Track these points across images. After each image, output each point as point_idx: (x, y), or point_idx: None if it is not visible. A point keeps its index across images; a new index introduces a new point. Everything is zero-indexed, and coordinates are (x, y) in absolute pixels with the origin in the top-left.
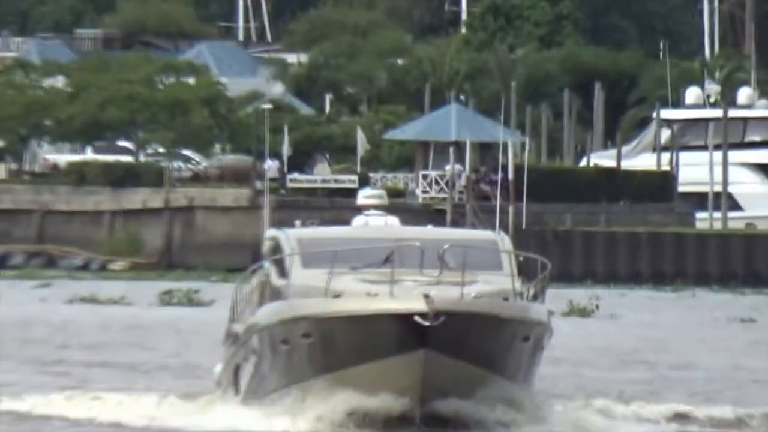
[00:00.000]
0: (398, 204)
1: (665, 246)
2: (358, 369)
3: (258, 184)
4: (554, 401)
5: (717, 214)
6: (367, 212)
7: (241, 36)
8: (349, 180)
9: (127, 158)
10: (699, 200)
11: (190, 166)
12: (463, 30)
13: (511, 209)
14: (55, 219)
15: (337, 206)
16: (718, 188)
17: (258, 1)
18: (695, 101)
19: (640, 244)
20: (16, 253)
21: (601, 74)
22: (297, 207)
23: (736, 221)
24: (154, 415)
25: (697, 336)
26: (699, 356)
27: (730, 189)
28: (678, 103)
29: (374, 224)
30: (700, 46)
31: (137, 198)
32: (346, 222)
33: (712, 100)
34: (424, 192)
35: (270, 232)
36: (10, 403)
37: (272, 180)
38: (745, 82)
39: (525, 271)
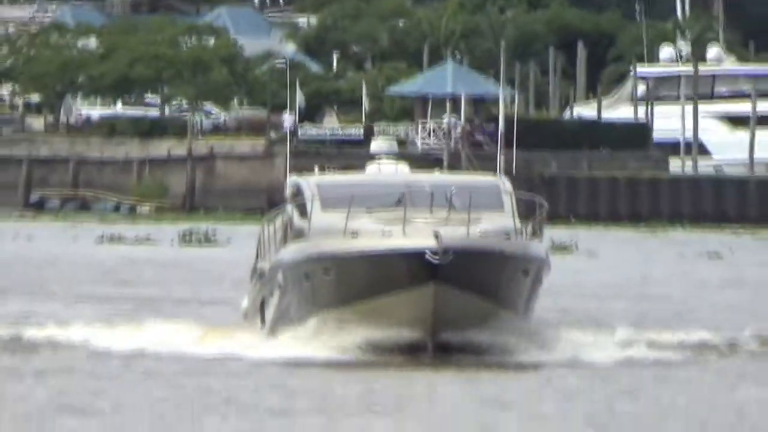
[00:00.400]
0: (399, 152)
1: (641, 189)
2: (374, 302)
3: (272, 135)
4: (550, 328)
5: (688, 160)
6: (379, 159)
7: (256, 0)
8: (355, 131)
9: (154, 112)
10: (672, 148)
11: (211, 118)
12: None
13: (502, 156)
14: (88, 167)
15: (345, 154)
16: (689, 137)
17: None
18: (668, 58)
19: (618, 187)
20: (53, 198)
21: (584, 34)
22: (309, 155)
23: (705, 166)
24: (186, 344)
25: (670, 270)
26: (671, 288)
27: (701, 137)
28: (653, 60)
29: (386, 170)
30: (673, 8)
31: (163, 147)
32: (358, 169)
33: (683, 57)
34: (423, 141)
35: (292, 179)
36: (55, 330)
37: (290, 131)
38: (714, 41)
39: (523, 211)
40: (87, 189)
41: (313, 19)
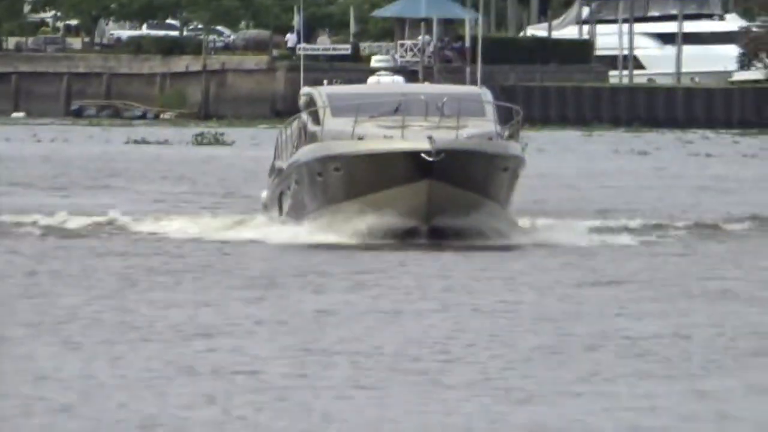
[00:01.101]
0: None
1: (585, 97)
2: (378, 195)
3: (274, 52)
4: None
5: (625, 72)
6: (378, 73)
7: None
8: (343, 48)
9: (174, 33)
10: (611, 61)
11: (222, 38)
12: None
13: (468, 69)
14: (119, 80)
15: (335, 68)
16: (626, 52)
17: None
18: None
19: (566, 95)
20: (90, 107)
21: None
22: (305, 69)
23: (639, 77)
24: (213, 230)
25: (610, 165)
26: (610, 180)
27: (636, 52)
28: None
29: (385, 82)
30: None
31: (182, 63)
32: (358, 82)
33: None
34: (401, 57)
35: (305, 89)
36: (97, 218)
37: (289, 49)
38: None
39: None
40: (118, 99)
41: None
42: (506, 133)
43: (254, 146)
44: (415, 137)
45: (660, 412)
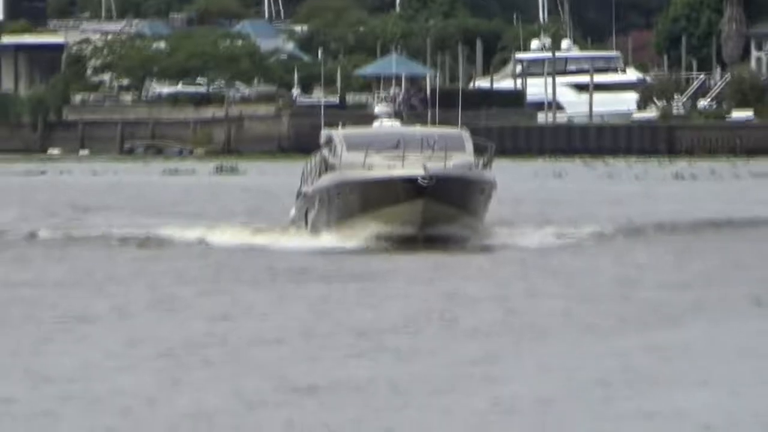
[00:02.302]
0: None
1: (519, 134)
2: (384, 210)
3: (280, 102)
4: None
5: (550, 114)
6: (381, 118)
7: (266, 15)
8: (333, 99)
9: (202, 89)
10: (538, 106)
11: (240, 92)
12: (398, 9)
13: (429, 114)
14: (161, 126)
15: (328, 114)
16: (550, 99)
17: None
18: (537, 48)
19: (504, 133)
20: (139, 146)
21: (481, 33)
22: (304, 115)
23: (561, 118)
24: (250, 240)
25: (534, 183)
26: (535, 193)
27: (558, 98)
28: (526, 49)
29: (386, 124)
30: (537, 15)
31: (209, 112)
32: (364, 125)
33: (546, 47)
34: (377, 104)
35: (324, 131)
36: (154, 230)
37: (291, 100)
38: (565, 36)
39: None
40: (160, 140)
41: (305, 27)
42: (482, 163)
43: (262, 175)
44: (412, 166)
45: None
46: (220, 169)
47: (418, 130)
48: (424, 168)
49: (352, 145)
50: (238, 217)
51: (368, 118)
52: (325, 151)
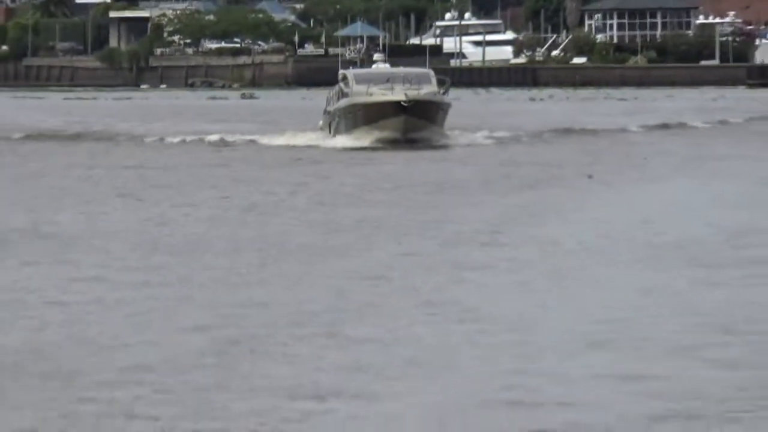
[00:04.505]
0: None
1: (439, 73)
2: (379, 123)
3: (286, 54)
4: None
5: (457, 60)
6: (377, 62)
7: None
8: (320, 51)
9: (237, 45)
10: (451, 56)
11: (261, 47)
12: None
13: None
14: (211, 68)
15: (316, 60)
16: (457, 50)
17: None
18: (449, 18)
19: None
20: (197, 82)
21: (414, 8)
22: (302, 61)
23: (465, 63)
24: (291, 141)
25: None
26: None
27: (463, 50)
28: (442, 19)
29: (381, 67)
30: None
31: (241, 60)
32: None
33: (455, 17)
34: (376, 55)
35: (341, 71)
36: (195, 137)
37: (293, 51)
38: (467, 10)
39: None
40: (210, 78)
41: (303, 5)
42: (442, 91)
43: (274, 99)
44: (398, 94)
45: None
46: (244, 96)
47: (401, 70)
48: (405, 95)
49: (359, 80)
50: (268, 125)
51: (345, 63)
52: (341, 84)
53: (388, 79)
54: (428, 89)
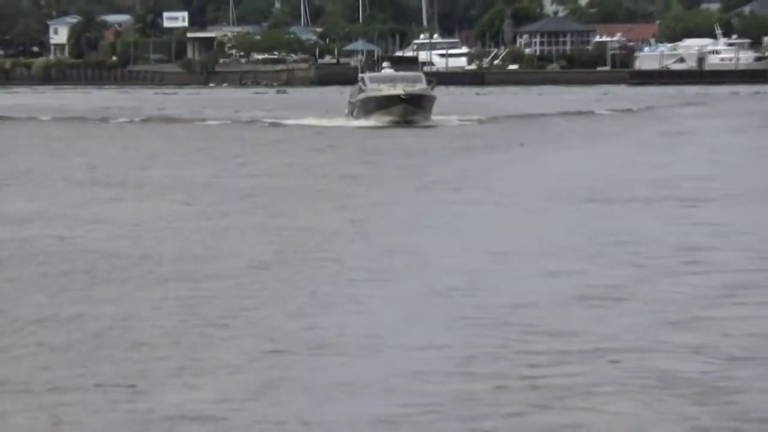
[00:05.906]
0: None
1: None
2: (386, 110)
3: (309, 63)
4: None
5: (428, 68)
6: (385, 68)
7: (302, 23)
8: (333, 61)
9: (276, 56)
10: (423, 64)
11: (292, 58)
12: (361, 20)
13: (377, 68)
14: (258, 73)
15: (330, 68)
16: (428, 60)
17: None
18: (423, 38)
19: None
20: (247, 82)
21: (398, 31)
22: (321, 68)
23: (433, 69)
24: (319, 122)
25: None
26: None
27: (432, 60)
28: (417, 39)
29: (388, 70)
30: (423, 21)
31: (279, 66)
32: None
33: (426, 37)
34: (384, 63)
35: (360, 74)
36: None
37: (315, 61)
38: (435, 32)
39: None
40: (257, 79)
41: (321, 28)
42: (430, 87)
43: (302, 94)
44: (399, 90)
45: None
46: (279, 92)
47: (401, 73)
48: (404, 90)
49: (373, 80)
50: (297, 112)
51: (351, 69)
52: (360, 83)
53: (392, 80)
54: (420, 86)
